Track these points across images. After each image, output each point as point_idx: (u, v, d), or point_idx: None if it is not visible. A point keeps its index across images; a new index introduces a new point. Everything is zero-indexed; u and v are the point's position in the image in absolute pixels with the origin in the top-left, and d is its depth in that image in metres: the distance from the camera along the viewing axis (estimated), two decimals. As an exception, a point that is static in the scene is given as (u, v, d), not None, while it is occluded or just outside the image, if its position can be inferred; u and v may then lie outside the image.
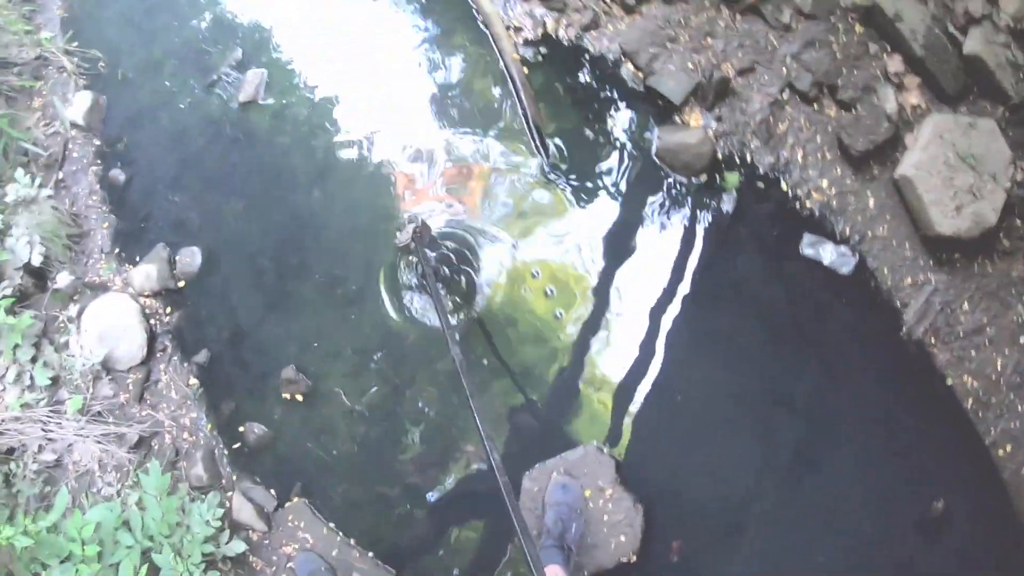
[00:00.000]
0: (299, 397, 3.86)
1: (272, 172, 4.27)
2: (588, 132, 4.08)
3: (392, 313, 3.92)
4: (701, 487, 3.44)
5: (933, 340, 3.50)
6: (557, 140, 4.08)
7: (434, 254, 3.84)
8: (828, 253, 3.61)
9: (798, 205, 3.73)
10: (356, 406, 3.83)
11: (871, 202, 3.68)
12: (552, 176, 4.02)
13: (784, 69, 3.86)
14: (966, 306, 3.53)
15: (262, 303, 4.05)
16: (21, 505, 3.60)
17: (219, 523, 3.47)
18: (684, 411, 3.57)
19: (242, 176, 4.29)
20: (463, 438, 3.71)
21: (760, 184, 3.80)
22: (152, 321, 4.03)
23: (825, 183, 3.71)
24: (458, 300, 3.89)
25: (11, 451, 3.71)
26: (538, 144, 4.03)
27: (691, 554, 3.34)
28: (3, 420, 3.69)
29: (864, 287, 3.61)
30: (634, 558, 3.33)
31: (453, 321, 3.75)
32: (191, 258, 4.13)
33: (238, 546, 3.50)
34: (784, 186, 3.76)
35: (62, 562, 3.23)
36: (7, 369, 3.82)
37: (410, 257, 3.89)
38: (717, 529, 3.37)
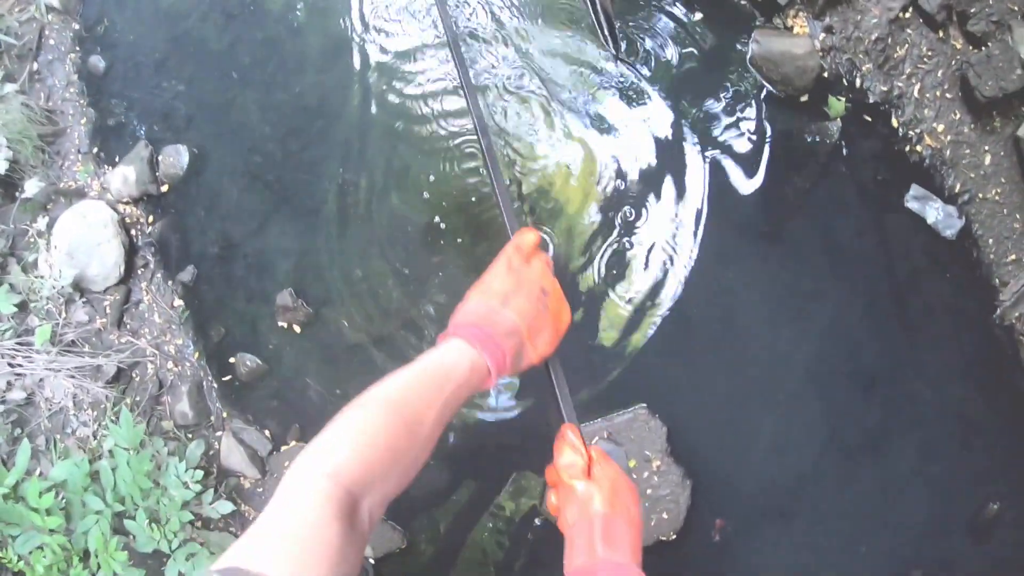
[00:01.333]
0: (296, 327, 3.23)
1: (275, 53, 3.49)
2: (670, 25, 3.25)
3: (414, 231, 3.22)
4: (755, 465, 2.97)
5: None
6: (633, 32, 3.26)
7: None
8: (934, 211, 3.01)
9: (907, 148, 3.07)
10: (362, 340, 3.20)
11: (987, 159, 3.04)
12: (622, 76, 3.22)
13: None
14: (1066, 297, 2.97)
15: (257, 212, 3.36)
16: (-12, 452, 3.06)
17: (199, 486, 2.88)
18: (748, 378, 3.00)
19: (240, 59, 3.53)
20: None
21: (868, 116, 3.09)
22: (132, 232, 3.39)
23: (941, 128, 3.04)
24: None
25: (-24, 390, 3.14)
26: (607, 35, 3.20)
27: (733, 535, 2.94)
28: (-35, 355, 3.13)
29: (965, 256, 3.00)
30: (674, 536, 2.91)
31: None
32: (176, 157, 3.42)
33: (224, 507, 2.95)
34: (895, 123, 3.07)
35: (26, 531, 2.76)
36: (-31, 296, 3.24)
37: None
38: (765, 511, 2.95)
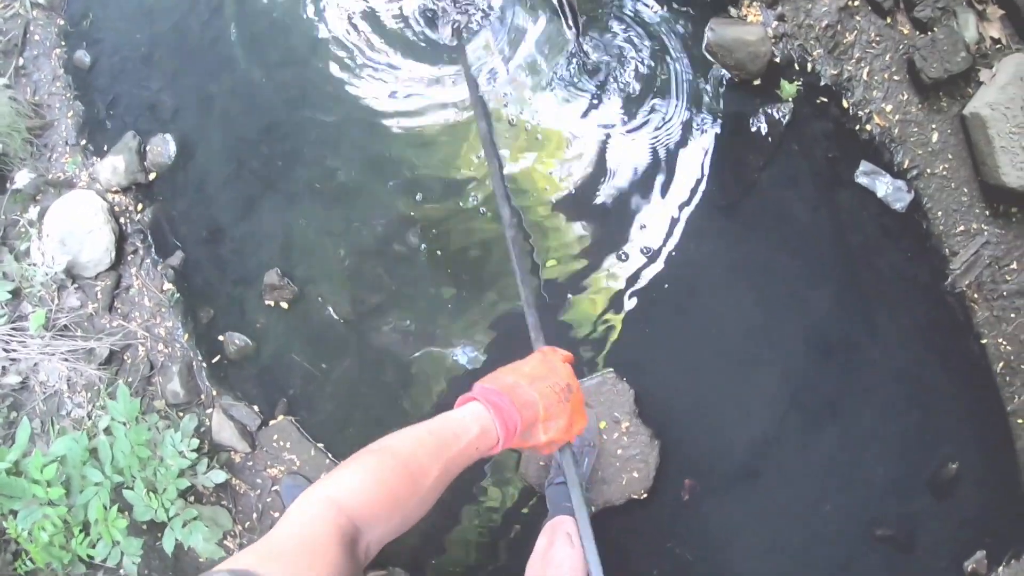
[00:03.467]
0: (284, 305, 3.27)
1: (260, 46, 3.54)
2: (629, 11, 3.33)
3: (393, 210, 3.29)
4: (720, 426, 3.05)
5: (975, 295, 3.07)
6: (593, 13, 3.35)
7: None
8: (883, 185, 3.10)
9: (857, 128, 3.15)
10: (347, 316, 3.25)
11: (934, 136, 3.13)
12: (582, 56, 3.30)
13: None
14: (1015, 265, 3.05)
15: (243, 197, 3.40)
16: (-16, 436, 3.09)
17: (194, 454, 2.92)
18: (711, 343, 3.09)
19: (224, 51, 3.56)
20: (468, 346, 3.19)
21: (819, 98, 3.18)
22: (121, 220, 3.42)
23: (889, 108, 3.13)
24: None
25: (-28, 375, 3.17)
26: (569, 18, 3.29)
27: (702, 494, 3.02)
28: (-39, 342, 3.15)
29: (915, 228, 3.12)
30: (644, 495, 2.99)
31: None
32: (163, 147, 3.46)
33: (217, 476, 2.98)
34: (845, 104, 3.16)
35: (28, 505, 2.78)
36: (-37, 285, 3.26)
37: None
38: (731, 471, 3.02)
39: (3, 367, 3.19)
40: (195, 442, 2.90)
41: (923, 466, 3.00)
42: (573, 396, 1.51)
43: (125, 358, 3.27)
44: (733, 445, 3.03)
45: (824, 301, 3.10)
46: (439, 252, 3.22)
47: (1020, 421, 3.01)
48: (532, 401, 1.42)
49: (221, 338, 3.28)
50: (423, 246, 3.22)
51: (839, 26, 3.16)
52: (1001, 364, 3.03)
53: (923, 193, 3.12)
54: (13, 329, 3.19)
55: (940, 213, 3.10)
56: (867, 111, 3.15)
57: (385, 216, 3.27)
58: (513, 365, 1.51)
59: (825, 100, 3.17)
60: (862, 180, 3.13)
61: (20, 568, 2.87)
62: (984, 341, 3.04)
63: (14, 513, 2.80)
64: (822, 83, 3.18)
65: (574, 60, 3.28)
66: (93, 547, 2.81)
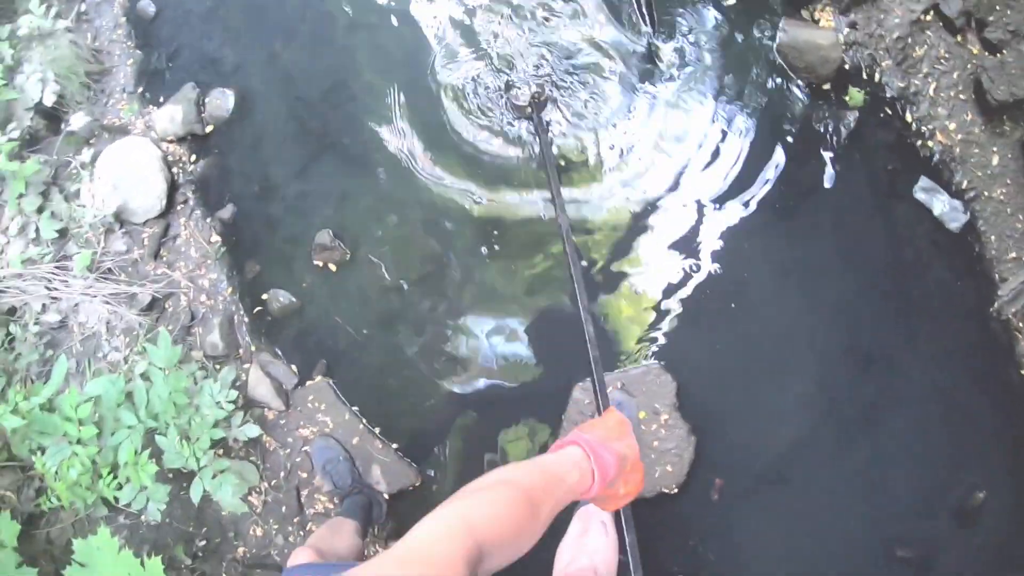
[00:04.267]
0: (332, 267, 3.22)
1: (326, 9, 3.51)
2: (703, 8, 3.32)
3: (449, 183, 3.25)
4: (756, 428, 2.99)
5: (1021, 324, 3.01)
6: (667, 10, 3.33)
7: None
8: (940, 203, 3.06)
9: (919, 143, 3.12)
10: (397, 282, 3.20)
11: (995, 160, 3.09)
12: (654, 50, 3.29)
13: None
14: (1064, 299, 2.97)
15: (300, 157, 3.35)
16: (20, 372, 3.04)
17: (231, 405, 2.86)
18: (756, 344, 3.04)
19: (290, 10, 3.54)
20: (509, 331, 3.14)
21: (884, 110, 3.15)
22: (174, 170, 3.37)
23: (952, 126, 3.10)
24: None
25: (12, 311, 3.13)
26: (644, 12, 3.27)
27: (731, 495, 2.95)
28: (4, 277, 3.10)
29: (967, 250, 3.07)
30: (675, 490, 2.93)
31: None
32: (222, 100, 3.42)
33: (251, 430, 2.91)
34: (909, 118, 3.13)
35: (57, 442, 2.71)
36: (11, 220, 3.20)
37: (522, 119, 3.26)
38: (762, 474, 2.96)
39: (44, 305, 3.14)
40: (233, 394, 2.84)
41: (950, 490, 2.93)
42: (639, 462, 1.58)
43: (166, 306, 3.22)
44: (766, 448, 2.98)
45: (870, 311, 3.05)
46: (495, 234, 3.19)
47: (1048, 456, 2.91)
48: (622, 454, 1.49)
49: (265, 295, 3.23)
50: (479, 226, 3.19)
51: (909, 39, 3.13)
52: (1038, 397, 2.93)
53: (979, 216, 3.08)
54: (57, 268, 3.14)
55: (993, 237, 3.06)
56: (930, 127, 3.11)
57: (441, 190, 3.24)
58: (598, 421, 1.56)
59: (890, 112, 3.13)
60: (920, 196, 3.09)
61: (44, 504, 2.81)
62: (1023, 371, 2.98)
63: (43, 450, 2.75)
64: (888, 95, 3.14)
65: (644, 56, 3.25)
66: (119, 489, 2.75)
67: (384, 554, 1.01)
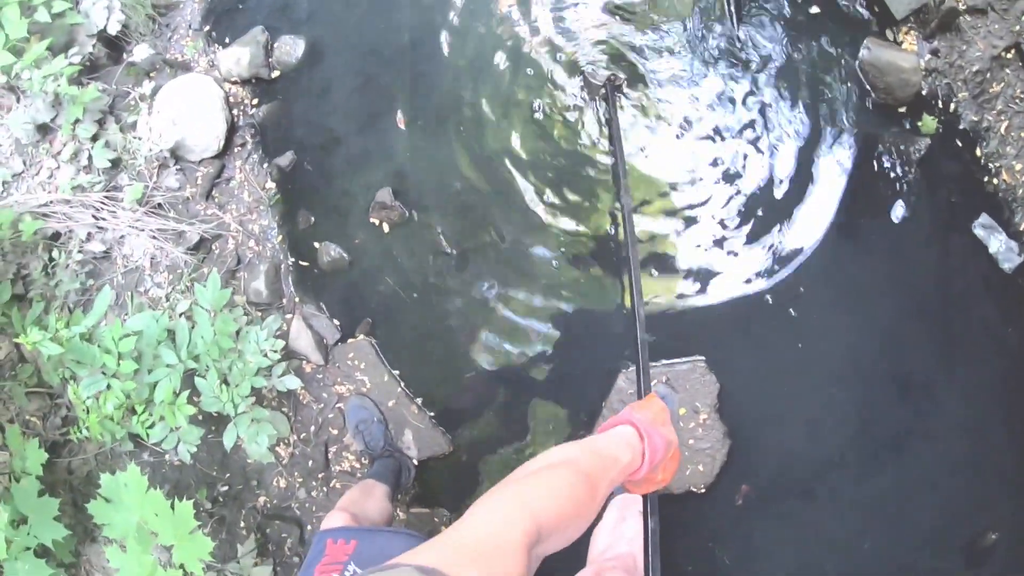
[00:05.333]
0: (386, 227, 3.12)
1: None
2: (787, 12, 3.22)
3: (521, 159, 3.16)
4: (790, 440, 2.94)
5: None
6: (753, 11, 3.24)
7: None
8: (997, 242, 2.97)
9: (985, 179, 3.03)
10: (452, 250, 3.10)
11: None
12: (737, 46, 3.19)
13: (1018, 26, 3.03)
14: (1102, 356, 2.89)
15: (367, 112, 3.23)
16: (59, 299, 2.93)
17: (276, 355, 2.75)
18: (800, 357, 2.97)
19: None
20: (558, 313, 3.06)
21: (955, 141, 3.06)
22: (235, 112, 3.26)
23: (1019, 166, 3.01)
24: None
25: (56, 236, 3.00)
26: (731, 7, 3.18)
27: (755, 503, 2.91)
28: (52, 201, 2.97)
29: (1017, 291, 3.00)
30: (703, 490, 2.91)
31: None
32: (292, 47, 3.30)
33: (292, 381, 2.81)
34: (978, 152, 3.04)
35: (93, 373, 2.60)
36: (64, 145, 3.07)
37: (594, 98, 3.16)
38: (788, 486, 2.92)
39: (89, 234, 3.03)
40: (280, 343, 2.75)
41: (964, 527, 2.88)
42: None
43: (214, 247, 3.12)
44: (797, 461, 2.93)
45: (914, 339, 2.98)
46: (557, 215, 3.10)
47: (1068, 502, 2.87)
48: (671, 440, 1.47)
49: (316, 246, 3.13)
50: (543, 203, 3.10)
51: (988, 74, 3.04)
52: (1063, 442, 2.87)
53: (1032, 259, 2.97)
54: (107, 198, 3.03)
55: (1044, 283, 2.95)
56: (997, 164, 3.03)
57: (510, 162, 3.13)
58: (644, 403, 1.53)
59: (960, 144, 3.06)
60: (978, 231, 3.01)
61: (74, 435, 2.71)
62: None
63: (75, 378, 2.65)
64: (961, 126, 3.06)
65: (723, 51, 3.16)
66: (151, 427, 2.66)
67: (441, 539, 0.96)
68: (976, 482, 2.90)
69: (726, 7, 3.16)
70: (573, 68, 3.18)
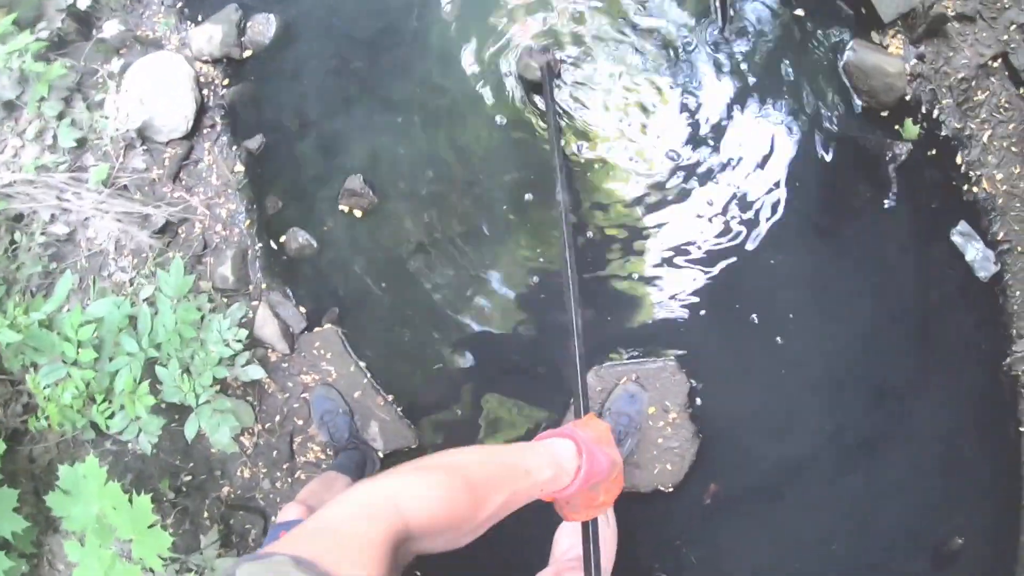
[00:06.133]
0: (358, 213, 3.01)
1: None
2: (772, 12, 3.10)
3: (493, 149, 3.05)
4: (760, 441, 2.90)
5: None
6: (739, 10, 3.12)
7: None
8: (974, 250, 2.93)
9: (965, 187, 2.97)
10: (422, 239, 2.99)
11: None
12: (721, 46, 3.08)
13: (1006, 35, 2.97)
14: (1073, 368, 2.90)
15: (340, 97, 3.10)
16: (21, 282, 2.82)
17: (240, 345, 2.65)
18: (774, 359, 2.91)
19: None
20: (530, 308, 2.97)
21: (936, 147, 2.99)
22: (205, 92, 3.13)
23: (999, 176, 2.95)
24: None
25: (19, 218, 2.89)
26: (719, 6, 3.07)
27: (724, 502, 2.88)
28: (15, 181, 2.86)
29: (991, 300, 2.96)
30: (671, 489, 2.86)
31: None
32: (265, 26, 3.17)
33: (255, 371, 2.72)
34: (959, 159, 2.97)
35: (52, 361, 2.50)
36: (29, 123, 2.96)
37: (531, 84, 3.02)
38: (757, 487, 2.89)
39: (52, 215, 2.91)
40: (243, 333, 2.64)
41: (932, 532, 2.88)
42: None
43: (179, 231, 3.00)
44: (767, 462, 2.89)
45: (888, 344, 2.94)
46: (530, 207, 3.00)
47: (1032, 518, 2.84)
48: (615, 461, 1.41)
49: (284, 234, 3.03)
50: (514, 195, 3.00)
51: (973, 82, 2.97)
52: (1032, 457, 2.84)
53: (1008, 269, 2.95)
54: (71, 178, 2.91)
55: (1019, 293, 2.94)
56: (978, 173, 2.97)
57: (484, 153, 3.02)
58: (588, 422, 1.46)
59: (941, 151, 2.99)
60: (956, 239, 2.96)
61: (32, 424, 2.61)
62: (1022, 428, 2.89)
63: (36, 366, 2.55)
64: (943, 133, 2.99)
65: (706, 51, 3.06)
66: (111, 417, 2.56)
67: (300, 528, 0.93)
68: (945, 487, 2.89)
69: (714, 4, 3.04)
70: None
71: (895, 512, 2.86)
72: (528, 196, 2.98)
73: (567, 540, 2.26)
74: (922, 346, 2.93)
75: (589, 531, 1.52)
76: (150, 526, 2.28)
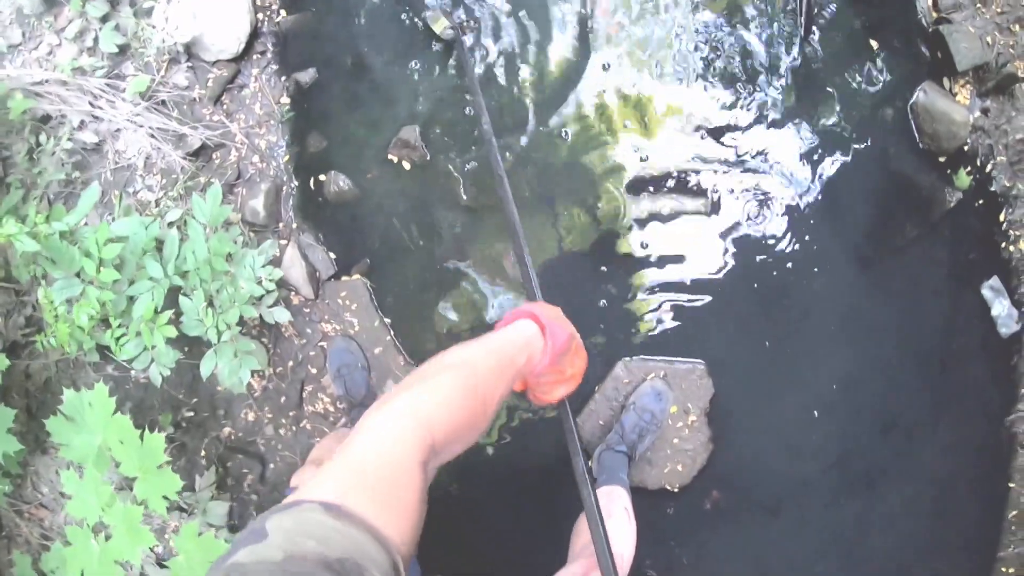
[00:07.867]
0: (407, 165, 2.79)
1: None
2: (855, 37, 2.99)
3: (554, 123, 2.87)
4: (769, 457, 2.87)
5: None
6: (822, 27, 3.00)
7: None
8: (1000, 306, 2.93)
9: (1003, 244, 2.93)
10: (469, 202, 2.80)
11: None
12: (799, 56, 2.95)
13: None
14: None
15: (404, 42, 2.86)
16: (39, 188, 2.56)
17: (272, 284, 2.45)
18: (797, 378, 2.88)
19: None
20: (566, 287, 2.85)
21: (984, 201, 2.94)
22: (260, 16, 2.87)
23: None
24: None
25: (46, 119, 2.61)
26: (804, 18, 2.94)
27: (724, 511, 2.86)
28: (47, 80, 2.58)
29: (1007, 357, 2.93)
30: (676, 489, 2.84)
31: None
32: (336, -47, 2.92)
33: (281, 314, 2.52)
34: (1002, 217, 2.93)
35: (68, 277, 2.26)
36: (69, 22, 2.67)
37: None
38: (758, 500, 2.88)
39: (82, 121, 2.66)
40: (278, 273, 2.44)
41: (915, 570, 2.89)
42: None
43: (214, 157, 2.76)
44: (771, 477, 2.86)
45: (905, 381, 2.93)
46: (582, 184, 2.86)
47: (1005, 569, 2.86)
48: (572, 332, 1.37)
49: (323, 175, 2.81)
50: (568, 174, 2.85)
51: (1030, 145, 2.92)
52: (1014, 512, 2.87)
53: (1029, 330, 2.94)
54: (108, 85, 2.66)
55: (1032, 355, 2.90)
56: (1018, 233, 2.94)
57: (544, 125, 2.86)
58: (542, 304, 1.41)
59: (987, 205, 2.95)
60: (986, 292, 2.94)
61: (40, 341, 2.38)
62: (1011, 485, 2.89)
63: (47, 277, 2.31)
64: (992, 188, 2.94)
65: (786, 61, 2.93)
66: (124, 343, 2.33)
67: (340, 463, 0.84)
68: (935, 530, 2.89)
69: (799, 16, 2.91)
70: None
71: (881, 545, 2.85)
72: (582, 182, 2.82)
73: (588, 535, 2.12)
74: (935, 389, 2.92)
75: (597, 518, 1.45)
76: (160, 466, 2.08)
